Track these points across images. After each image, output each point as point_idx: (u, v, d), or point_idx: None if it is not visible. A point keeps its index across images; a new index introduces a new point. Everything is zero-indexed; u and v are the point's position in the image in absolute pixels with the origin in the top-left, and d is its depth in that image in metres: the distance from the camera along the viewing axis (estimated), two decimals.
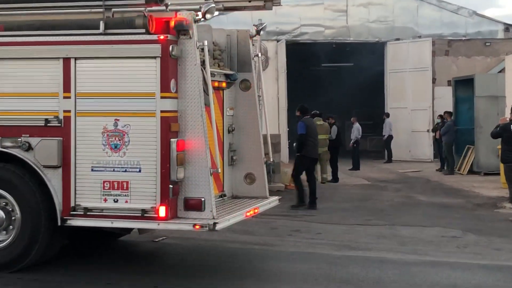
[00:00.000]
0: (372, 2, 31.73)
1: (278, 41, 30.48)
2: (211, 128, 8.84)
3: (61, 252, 9.71)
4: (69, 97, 8.88)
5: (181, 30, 8.58)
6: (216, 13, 9.01)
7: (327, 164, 22.06)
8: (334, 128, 22.82)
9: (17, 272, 9.07)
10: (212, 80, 9.05)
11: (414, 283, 9.33)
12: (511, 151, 15.81)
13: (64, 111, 8.90)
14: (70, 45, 8.85)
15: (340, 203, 17.58)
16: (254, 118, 10.39)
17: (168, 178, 8.52)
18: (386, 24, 31.80)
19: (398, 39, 31.59)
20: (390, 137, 29.83)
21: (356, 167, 26.53)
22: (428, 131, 29.56)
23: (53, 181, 8.90)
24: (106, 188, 8.74)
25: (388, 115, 30.20)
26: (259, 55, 10.56)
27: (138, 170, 8.65)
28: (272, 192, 11.43)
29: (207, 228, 8.43)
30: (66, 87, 8.89)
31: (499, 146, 17.65)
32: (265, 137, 10.52)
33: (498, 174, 19.91)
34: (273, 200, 10.48)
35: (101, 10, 8.90)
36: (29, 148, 8.99)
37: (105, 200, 8.75)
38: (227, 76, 10.15)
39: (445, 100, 28.63)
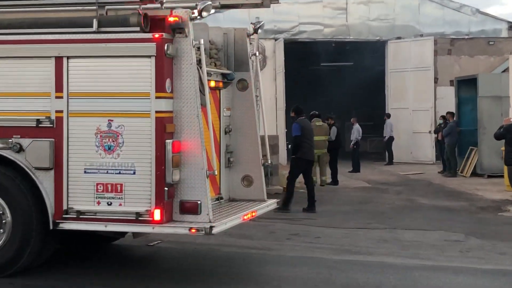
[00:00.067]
0: None
1: (276, 39, 30.33)
2: (207, 129, 8.81)
3: (53, 256, 9.61)
4: (62, 97, 8.79)
5: (177, 28, 8.49)
6: (213, 11, 8.91)
7: (326, 166, 21.90)
8: (334, 129, 22.65)
9: (8, 277, 8.97)
10: (208, 80, 8.95)
11: None
12: None
13: (56, 112, 8.81)
14: (63, 44, 8.77)
15: (339, 206, 17.47)
16: (252, 119, 10.29)
17: (163, 181, 8.45)
18: (387, 23, 31.66)
19: (399, 38, 31.44)
20: (391, 139, 29.70)
21: (356, 169, 26.38)
22: (430, 132, 29.43)
23: (45, 183, 8.81)
24: (99, 190, 8.65)
25: (389, 116, 30.07)
26: (257, 54, 10.50)
27: (132, 172, 8.58)
28: (270, 195, 11.42)
29: (203, 232, 8.32)
30: (58, 87, 8.80)
31: (503, 148, 17.49)
32: (262, 138, 10.45)
33: (502, 176, 19.78)
34: (271, 203, 10.36)
35: (94, 7, 8.83)
36: (20, 149, 8.90)
37: (99, 203, 8.65)
38: (224, 75, 10.05)
39: (448, 100, 28.49)
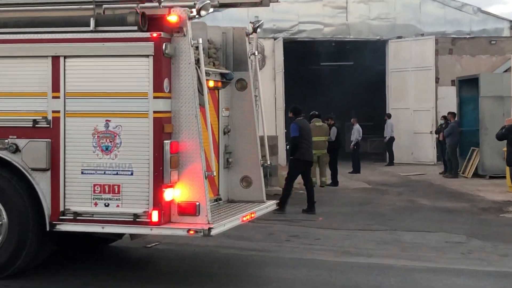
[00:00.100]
0: None
1: (275, 39, 30.29)
2: (206, 129, 8.76)
3: (50, 258, 9.55)
4: (58, 97, 8.73)
5: (175, 27, 8.43)
6: (211, 9, 8.85)
7: (326, 167, 21.82)
8: (334, 129, 22.57)
9: (4, 279, 8.91)
10: (207, 80, 8.96)
11: None
12: None
13: (53, 112, 8.76)
14: (59, 43, 8.72)
15: (339, 207, 17.39)
16: (251, 119, 10.24)
17: (161, 182, 8.37)
18: (387, 22, 31.57)
19: (400, 37, 31.37)
20: (392, 139, 29.62)
21: (356, 170, 26.30)
22: (431, 132, 29.35)
23: (42, 184, 8.75)
24: (96, 191, 8.59)
25: (389, 116, 29.99)
26: (256, 53, 10.48)
27: (130, 173, 8.52)
28: (269, 196, 11.37)
29: (202, 234, 8.28)
30: (55, 87, 8.74)
31: (505, 148, 17.41)
32: (262, 138, 10.41)
33: (504, 177, 19.74)
34: (270, 204, 10.31)
35: (92, 6, 8.76)
36: (16, 150, 8.83)
37: (96, 204, 8.59)
38: (222, 75, 10.01)
39: (449, 100, 28.42)
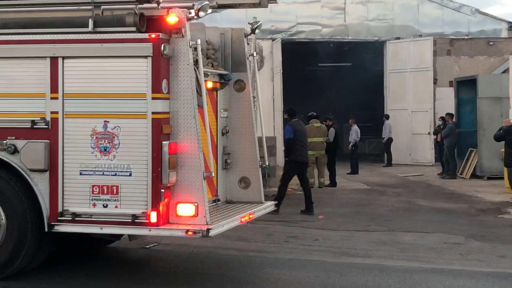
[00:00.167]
0: None
1: (273, 40, 30.28)
2: (204, 130, 8.68)
3: (48, 259, 9.52)
4: (57, 98, 8.72)
5: (173, 28, 8.42)
6: (210, 10, 8.82)
7: (324, 168, 21.81)
8: (332, 130, 22.57)
9: (3, 280, 8.88)
10: (205, 81, 8.93)
11: None
12: None
13: (52, 113, 8.74)
14: (58, 44, 8.70)
15: (338, 208, 17.37)
16: (249, 120, 10.24)
17: (159, 182, 8.36)
18: (385, 23, 31.56)
19: (398, 38, 31.35)
20: (390, 140, 29.62)
21: (354, 171, 26.30)
22: (429, 133, 29.34)
23: (40, 185, 8.74)
24: (95, 192, 8.58)
25: (387, 117, 29.98)
26: (254, 54, 10.46)
27: (128, 174, 8.51)
28: (268, 197, 11.35)
29: (200, 235, 8.26)
30: (54, 88, 8.73)
31: (503, 149, 17.41)
32: (260, 139, 10.40)
33: (502, 178, 19.71)
34: (269, 205, 10.30)
35: (90, 7, 8.76)
36: (15, 151, 8.81)
37: (94, 205, 8.58)
38: (221, 76, 10.01)
39: (447, 101, 28.45)
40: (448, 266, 10.64)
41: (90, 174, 8.56)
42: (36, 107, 8.76)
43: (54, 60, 8.66)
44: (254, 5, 10.21)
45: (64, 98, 8.66)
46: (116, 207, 8.47)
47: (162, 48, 8.29)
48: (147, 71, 8.37)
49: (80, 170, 8.59)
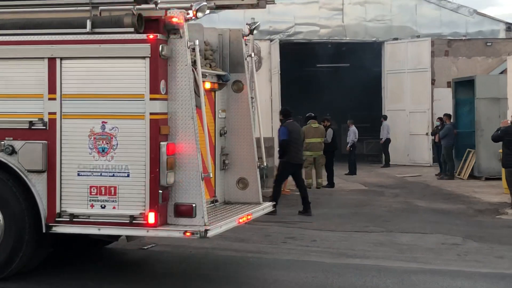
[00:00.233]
0: (369, 0, 31.50)
1: (271, 40, 30.26)
2: (202, 131, 8.68)
3: (46, 260, 9.51)
4: (55, 99, 8.70)
5: (172, 29, 8.41)
6: (208, 11, 8.80)
7: (322, 168, 21.79)
8: (330, 131, 22.57)
9: (1, 281, 8.86)
10: (203, 81, 8.89)
11: None
12: None
13: (49, 113, 8.72)
14: (56, 45, 8.68)
15: (336, 209, 17.37)
16: (247, 121, 10.23)
17: (157, 183, 8.36)
18: (383, 23, 31.57)
19: (396, 39, 31.35)
20: (388, 141, 29.63)
21: (352, 171, 26.30)
22: (427, 134, 29.33)
23: (38, 186, 8.72)
24: (93, 193, 8.56)
25: (385, 118, 29.98)
26: (252, 55, 10.43)
27: (126, 174, 8.49)
28: (266, 198, 11.33)
29: (198, 235, 8.24)
30: (51, 88, 8.70)
31: (501, 150, 17.40)
32: (258, 140, 10.35)
33: (500, 179, 19.69)
34: (267, 206, 10.28)
35: (88, 8, 8.72)
36: (12, 151, 8.80)
37: (92, 206, 8.56)
38: (219, 77, 9.99)
39: (445, 102, 28.44)
40: (446, 266, 10.63)
41: (88, 175, 8.54)
42: (34, 108, 8.74)
43: (52, 60, 8.64)
44: (252, 6, 10.24)
45: (62, 98, 8.64)
46: (114, 208, 8.45)
47: (160, 49, 8.28)
48: (145, 71, 8.35)
49: (78, 171, 8.58)
